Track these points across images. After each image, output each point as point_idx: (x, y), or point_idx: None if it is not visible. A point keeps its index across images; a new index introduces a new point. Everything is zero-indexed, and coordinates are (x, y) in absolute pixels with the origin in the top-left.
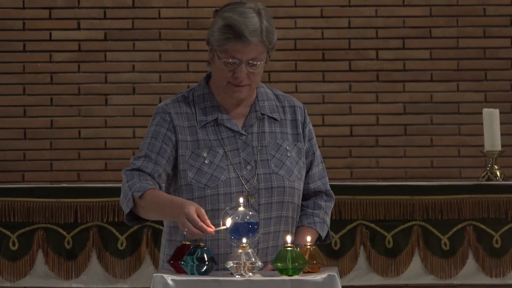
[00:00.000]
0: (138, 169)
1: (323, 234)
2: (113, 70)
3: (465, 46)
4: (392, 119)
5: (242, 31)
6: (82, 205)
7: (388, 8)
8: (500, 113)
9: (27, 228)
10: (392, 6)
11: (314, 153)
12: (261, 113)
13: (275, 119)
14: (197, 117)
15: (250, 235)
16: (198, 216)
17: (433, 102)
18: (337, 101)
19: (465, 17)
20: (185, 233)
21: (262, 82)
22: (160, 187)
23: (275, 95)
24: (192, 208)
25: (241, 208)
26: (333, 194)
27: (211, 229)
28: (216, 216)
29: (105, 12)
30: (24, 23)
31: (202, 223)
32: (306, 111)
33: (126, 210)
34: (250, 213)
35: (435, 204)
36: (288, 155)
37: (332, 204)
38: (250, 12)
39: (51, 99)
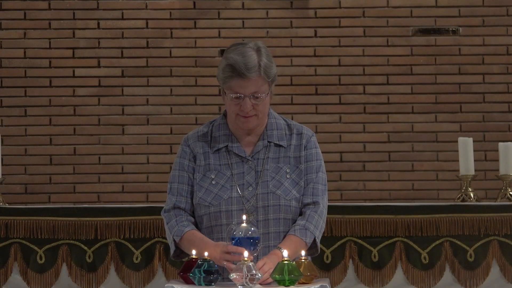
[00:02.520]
0: (174, 207)
1: (306, 240)
2: (129, 103)
3: (442, 81)
4: (378, 147)
5: (241, 69)
6: (102, 223)
7: (374, 48)
8: (474, 141)
9: (52, 244)
10: (377, 46)
11: (307, 174)
12: (268, 141)
13: (281, 146)
14: (211, 144)
15: (252, 248)
16: (228, 251)
17: (414, 132)
18: (329, 131)
19: (442, 56)
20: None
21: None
22: (194, 219)
23: (287, 124)
24: (223, 250)
25: (243, 224)
26: (319, 202)
27: (243, 249)
28: (219, 231)
29: (122, 52)
30: (50, 62)
31: (234, 258)
32: (313, 138)
33: (171, 251)
34: (252, 228)
35: (415, 223)
36: (288, 176)
37: (317, 210)
38: (249, 51)
39: (74, 129)
